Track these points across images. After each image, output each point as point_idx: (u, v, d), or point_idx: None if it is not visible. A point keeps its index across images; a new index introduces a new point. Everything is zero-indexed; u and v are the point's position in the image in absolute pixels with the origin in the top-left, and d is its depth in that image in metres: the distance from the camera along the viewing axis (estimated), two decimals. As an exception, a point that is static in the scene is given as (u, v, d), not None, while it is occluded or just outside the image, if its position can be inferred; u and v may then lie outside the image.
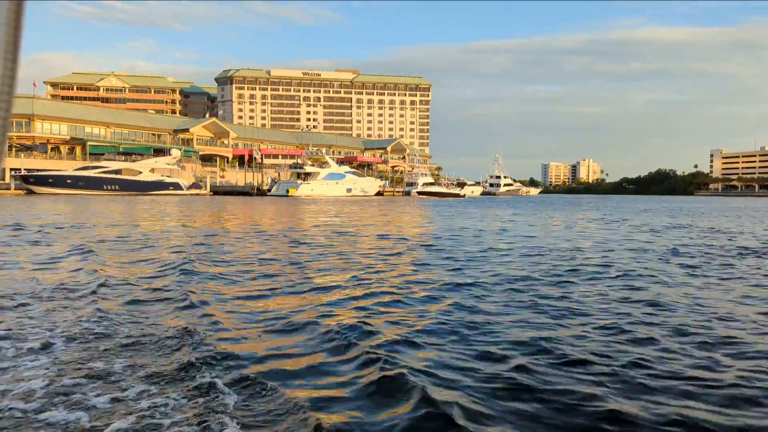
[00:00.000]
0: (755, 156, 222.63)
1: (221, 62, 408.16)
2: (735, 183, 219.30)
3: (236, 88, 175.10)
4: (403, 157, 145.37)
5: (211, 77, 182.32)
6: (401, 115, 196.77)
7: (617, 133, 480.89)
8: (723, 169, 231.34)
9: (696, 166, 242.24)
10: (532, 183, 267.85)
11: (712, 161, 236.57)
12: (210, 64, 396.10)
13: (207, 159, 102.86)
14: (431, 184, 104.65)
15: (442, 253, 13.04)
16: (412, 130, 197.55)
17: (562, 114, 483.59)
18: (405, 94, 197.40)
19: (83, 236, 15.71)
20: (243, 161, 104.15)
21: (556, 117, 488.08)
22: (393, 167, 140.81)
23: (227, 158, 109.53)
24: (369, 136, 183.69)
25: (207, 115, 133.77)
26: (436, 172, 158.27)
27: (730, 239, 17.97)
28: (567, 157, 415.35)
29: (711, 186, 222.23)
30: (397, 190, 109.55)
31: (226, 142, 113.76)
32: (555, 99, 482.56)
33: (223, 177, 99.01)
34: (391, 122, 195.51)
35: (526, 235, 19.11)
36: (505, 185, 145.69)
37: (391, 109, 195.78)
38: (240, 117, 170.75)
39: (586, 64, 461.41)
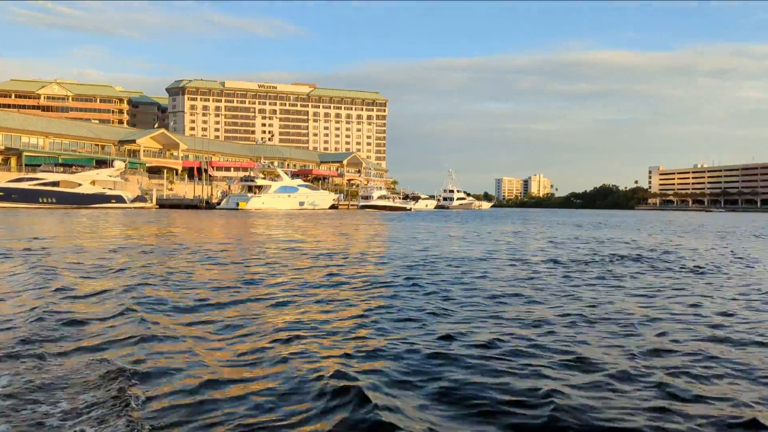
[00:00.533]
0: (689, 173, 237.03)
1: (176, 72, 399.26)
2: (671, 198, 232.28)
3: (189, 99, 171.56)
4: (359, 171, 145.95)
5: (164, 87, 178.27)
6: (358, 130, 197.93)
7: (566, 150, 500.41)
8: (660, 184, 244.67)
9: (636, 182, 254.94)
10: (486, 197, 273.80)
11: (650, 177, 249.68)
12: (164, 74, 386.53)
13: (155, 171, 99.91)
14: (384, 197, 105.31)
15: (329, 258, 14.06)
16: (369, 144, 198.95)
17: (515, 130, 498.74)
18: (362, 109, 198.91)
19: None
20: (193, 174, 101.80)
21: (510, 133, 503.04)
22: (349, 180, 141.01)
23: (176, 170, 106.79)
24: (326, 149, 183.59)
25: (156, 126, 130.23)
26: (392, 186, 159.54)
27: (608, 247, 20.33)
28: (519, 172, 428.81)
29: (650, 200, 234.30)
30: (351, 203, 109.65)
31: (175, 153, 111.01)
32: (508, 116, 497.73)
33: (171, 190, 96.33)
34: (348, 136, 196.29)
35: (425, 244, 20.51)
36: (458, 199, 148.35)
37: (348, 123, 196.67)
38: (192, 128, 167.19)
39: (538, 83, 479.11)
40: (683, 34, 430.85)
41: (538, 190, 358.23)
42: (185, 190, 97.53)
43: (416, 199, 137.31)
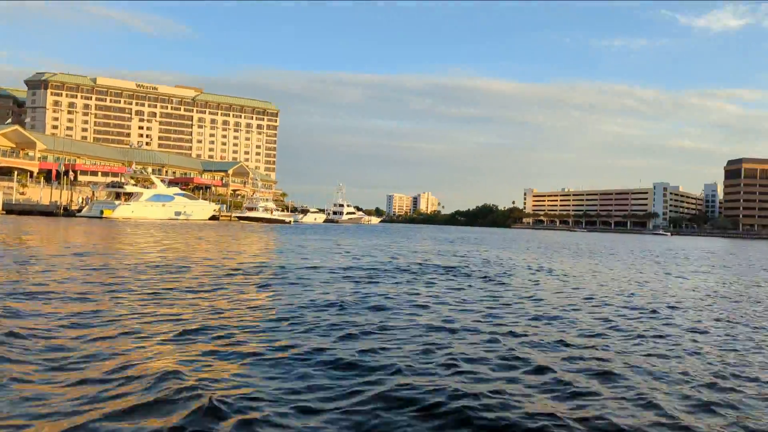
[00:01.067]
0: (557, 196, 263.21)
1: (37, 64, 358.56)
2: (542, 218, 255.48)
3: (52, 94, 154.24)
4: (245, 181, 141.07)
5: (23, 79, 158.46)
6: (247, 138, 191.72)
7: (453, 170, 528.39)
8: (533, 205, 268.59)
9: (513, 203, 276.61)
10: (378, 212, 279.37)
11: (525, 199, 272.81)
12: (23, 64, 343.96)
13: (5, 173, 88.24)
14: (267, 209, 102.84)
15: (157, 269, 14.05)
16: (258, 154, 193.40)
17: (407, 149, 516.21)
18: (252, 117, 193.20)
19: None
20: (51, 177, 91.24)
21: (402, 151, 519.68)
22: (234, 191, 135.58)
23: (31, 173, 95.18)
24: (210, 157, 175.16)
25: (10, 122, 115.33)
26: (281, 198, 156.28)
27: (439, 258, 22.62)
28: (410, 190, 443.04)
29: (525, 220, 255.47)
30: (234, 214, 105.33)
31: (31, 153, 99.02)
32: (401, 134, 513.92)
33: (23, 194, 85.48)
34: (235, 145, 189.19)
35: (270, 255, 20.66)
36: (347, 213, 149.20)
37: (236, 131, 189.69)
38: (55, 127, 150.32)
39: (429, 104, 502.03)
40: (556, 69, 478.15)
41: (427, 208, 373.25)
42: (41, 194, 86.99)
43: (305, 212, 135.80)
